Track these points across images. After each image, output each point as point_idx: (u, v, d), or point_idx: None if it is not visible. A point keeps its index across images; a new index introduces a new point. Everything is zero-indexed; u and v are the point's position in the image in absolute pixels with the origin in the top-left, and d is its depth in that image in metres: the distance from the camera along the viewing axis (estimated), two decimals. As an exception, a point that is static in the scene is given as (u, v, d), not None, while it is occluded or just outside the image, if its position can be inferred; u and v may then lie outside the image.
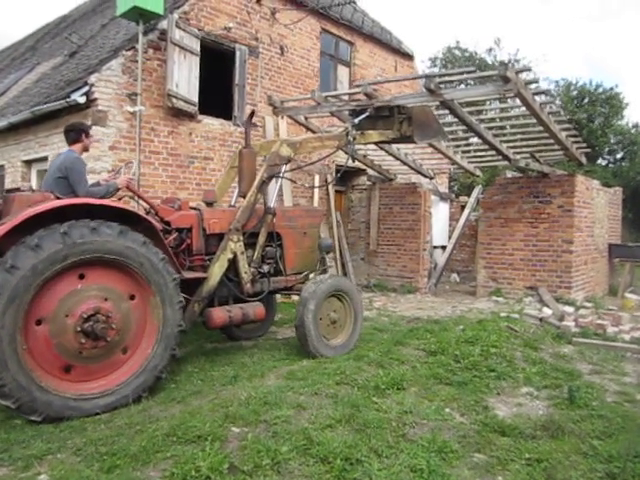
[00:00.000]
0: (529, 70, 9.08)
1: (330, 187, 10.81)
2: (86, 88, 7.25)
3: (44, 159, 8.33)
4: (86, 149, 4.90)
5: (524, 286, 9.39)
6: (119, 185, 4.78)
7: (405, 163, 10.48)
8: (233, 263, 5.33)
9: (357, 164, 10.77)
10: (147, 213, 5.02)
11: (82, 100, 7.19)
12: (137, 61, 7.64)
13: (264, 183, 5.56)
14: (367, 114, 6.40)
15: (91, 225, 3.91)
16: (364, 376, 4.61)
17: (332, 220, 10.76)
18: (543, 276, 9.22)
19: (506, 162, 9.30)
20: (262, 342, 6.36)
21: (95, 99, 7.30)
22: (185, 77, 8.11)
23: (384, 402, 4.08)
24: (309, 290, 5.49)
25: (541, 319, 7.50)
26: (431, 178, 11.50)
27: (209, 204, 5.54)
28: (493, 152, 9.19)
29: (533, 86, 7.18)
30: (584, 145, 9.80)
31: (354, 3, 11.73)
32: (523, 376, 5.05)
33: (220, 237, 5.32)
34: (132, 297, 4.23)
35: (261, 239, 5.64)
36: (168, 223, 5.03)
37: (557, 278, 9.07)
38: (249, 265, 5.49)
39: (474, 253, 12.68)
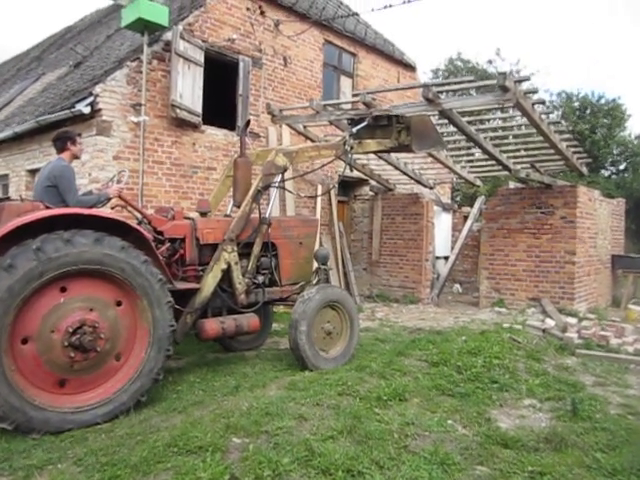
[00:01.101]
0: (528, 80, 9.05)
1: (333, 197, 10.83)
2: (91, 98, 7.31)
3: (48, 168, 8.37)
4: (76, 156, 4.78)
5: (527, 297, 9.37)
6: (110, 194, 4.74)
7: (405, 173, 10.49)
8: (227, 274, 5.26)
9: (359, 174, 10.80)
10: (139, 223, 4.98)
11: (87, 110, 7.25)
12: (142, 72, 7.71)
13: (259, 193, 5.48)
14: (365, 123, 6.40)
15: (65, 237, 3.78)
16: (366, 387, 4.59)
17: (334, 230, 10.78)
18: (546, 287, 9.19)
19: (506, 172, 9.31)
20: (264, 352, 6.35)
21: (99, 109, 7.36)
22: (189, 88, 8.18)
23: (386, 413, 4.06)
24: (298, 311, 5.33)
25: (544, 330, 7.47)
26: (431, 188, 11.51)
27: (203, 214, 5.50)
28: (494, 162, 9.20)
29: (535, 97, 7.20)
30: (585, 155, 9.81)
31: (357, 15, 11.84)
32: (526, 388, 5.02)
33: (214, 247, 5.26)
34: (119, 303, 4.16)
35: (256, 249, 5.56)
36: (161, 233, 4.99)
37: (560, 289, 9.05)
38: (243, 276, 5.42)
39: (477, 264, 12.65)
